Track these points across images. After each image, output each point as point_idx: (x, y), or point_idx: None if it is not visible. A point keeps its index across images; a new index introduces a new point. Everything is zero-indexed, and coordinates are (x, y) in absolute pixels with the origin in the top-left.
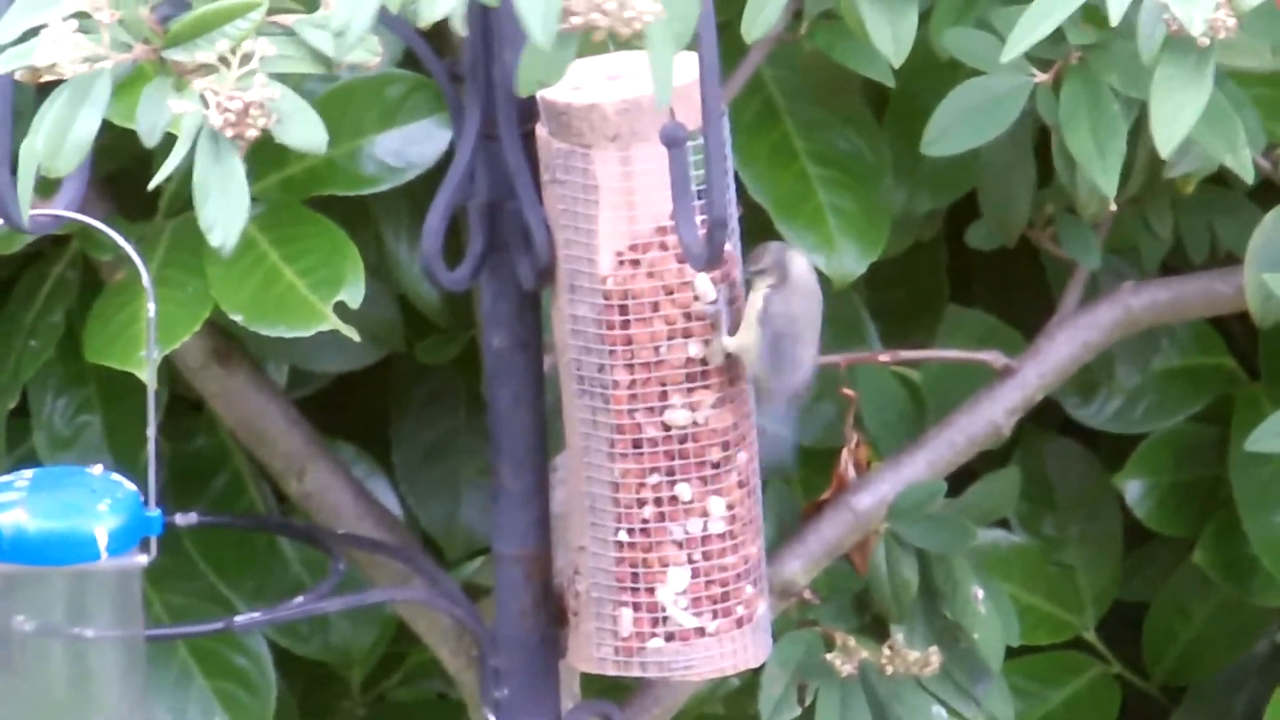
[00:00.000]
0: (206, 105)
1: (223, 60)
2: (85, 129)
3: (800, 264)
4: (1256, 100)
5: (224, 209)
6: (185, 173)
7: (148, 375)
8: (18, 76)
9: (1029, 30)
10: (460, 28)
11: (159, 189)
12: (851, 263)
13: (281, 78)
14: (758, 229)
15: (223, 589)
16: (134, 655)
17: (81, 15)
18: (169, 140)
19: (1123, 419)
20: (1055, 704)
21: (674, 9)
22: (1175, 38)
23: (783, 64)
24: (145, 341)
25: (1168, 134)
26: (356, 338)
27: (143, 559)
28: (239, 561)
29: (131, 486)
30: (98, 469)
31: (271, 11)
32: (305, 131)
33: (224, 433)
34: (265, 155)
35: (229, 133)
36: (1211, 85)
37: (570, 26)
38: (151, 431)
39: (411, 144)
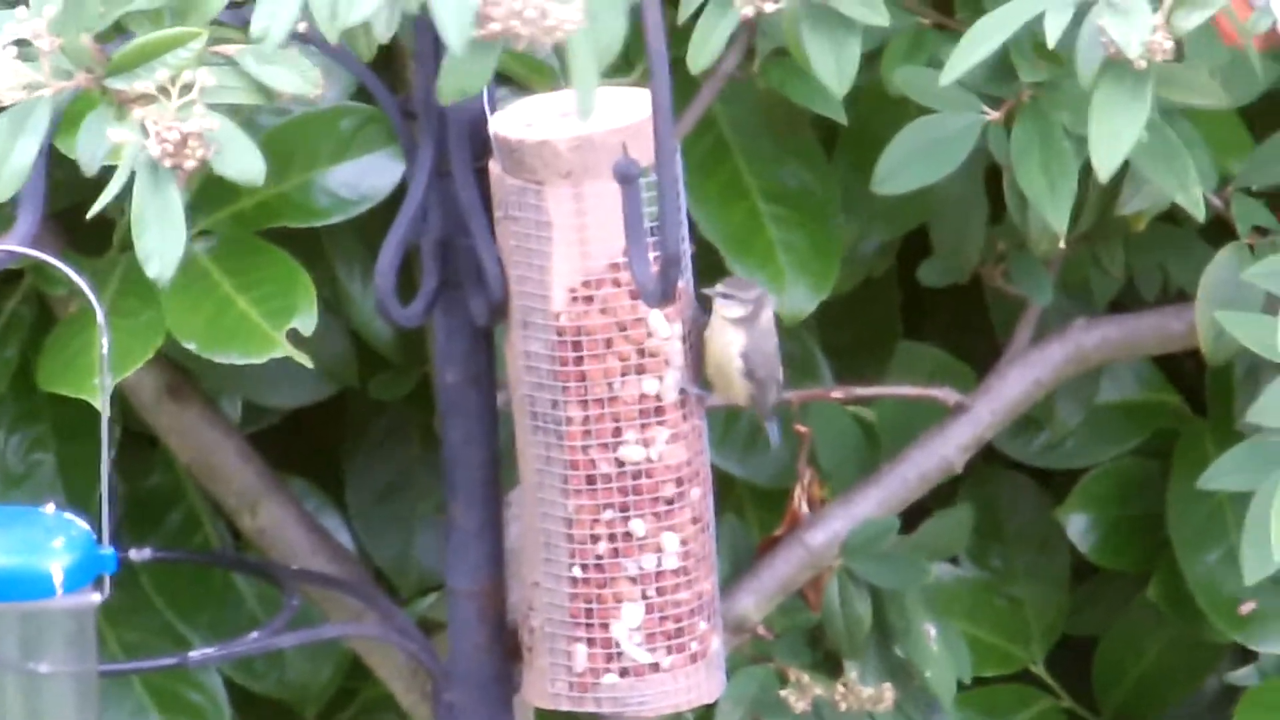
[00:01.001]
0: (146, 135)
1: (163, 90)
2: (23, 157)
3: (769, 310)
4: (1209, 136)
5: (162, 239)
6: (129, 203)
7: (102, 406)
8: None
9: (966, 55)
10: (382, 33)
11: (112, 223)
12: (802, 300)
13: (233, 111)
14: (709, 267)
15: (178, 626)
16: (87, 692)
17: (22, 43)
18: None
19: (1057, 453)
20: None
21: (599, 22)
22: (1113, 61)
23: (734, 101)
24: (99, 370)
25: (1106, 156)
26: (310, 364)
27: (96, 597)
28: (194, 598)
29: (85, 525)
30: (50, 508)
31: (214, 42)
32: (243, 163)
33: (179, 469)
34: (218, 188)
35: (167, 163)
36: (1149, 108)
37: (489, 34)
38: (105, 466)
39: (365, 177)
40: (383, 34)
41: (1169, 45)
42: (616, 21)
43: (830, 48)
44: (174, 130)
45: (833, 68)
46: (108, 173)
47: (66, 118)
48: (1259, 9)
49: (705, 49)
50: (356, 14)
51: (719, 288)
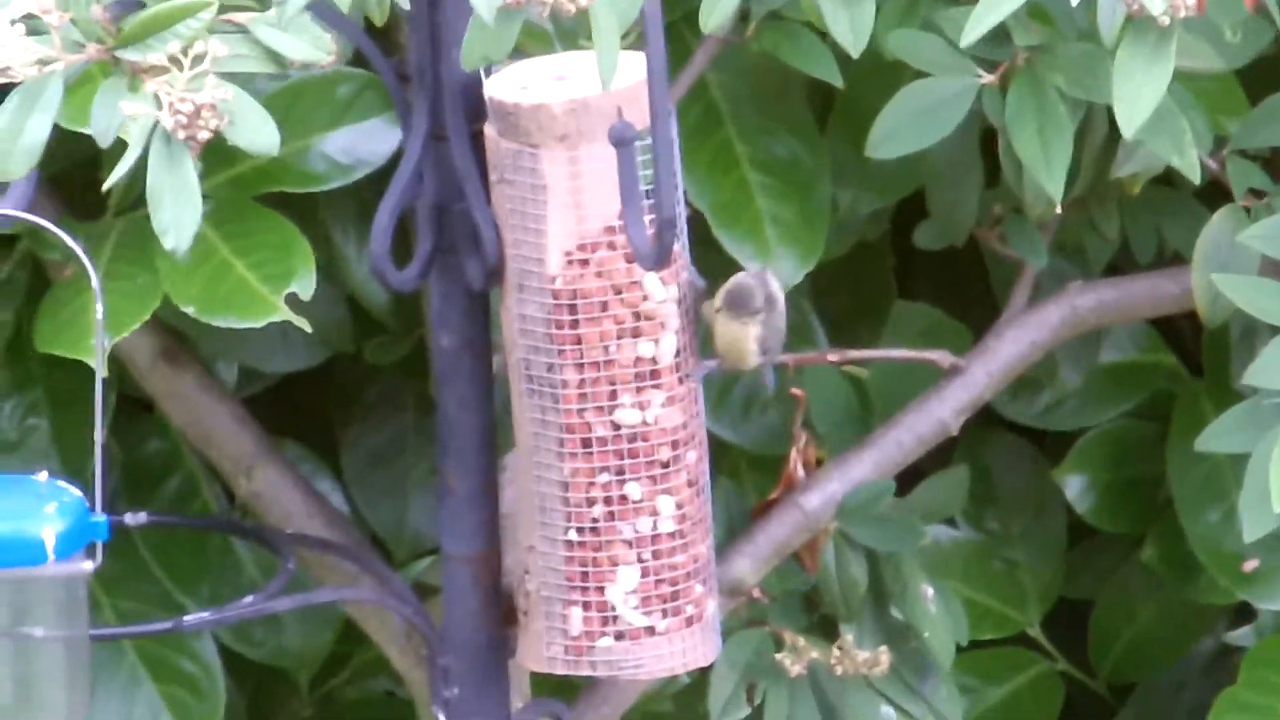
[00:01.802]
0: (159, 106)
1: (174, 61)
2: (37, 132)
3: (775, 285)
4: (1203, 94)
5: (178, 212)
6: (133, 172)
7: (97, 368)
8: None
9: (984, 16)
10: (377, 18)
11: (109, 188)
12: (789, 271)
13: (231, 76)
14: (697, 236)
15: (176, 594)
16: (79, 658)
17: (31, 17)
18: (118, 141)
19: (1054, 414)
20: (996, 700)
21: None
22: (1135, 18)
23: (727, 68)
24: (94, 332)
25: (1130, 114)
26: (308, 328)
27: (89, 564)
28: (193, 566)
29: (77, 492)
30: (43, 475)
31: (224, 10)
32: (257, 132)
33: (176, 435)
34: (215, 153)
35: (181, 134)
36: (1173, 66)
37: (514, 2)
38: (99, 435)
39: (361, 142)
40: (402, 2)
41: (1191, 1)
42: None
43: (845, 7)
44: (187, 101)
45: (848, 26)
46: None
47: (69, 86)
48: None
49: (717, 9)
50: None
51: (724, 297)
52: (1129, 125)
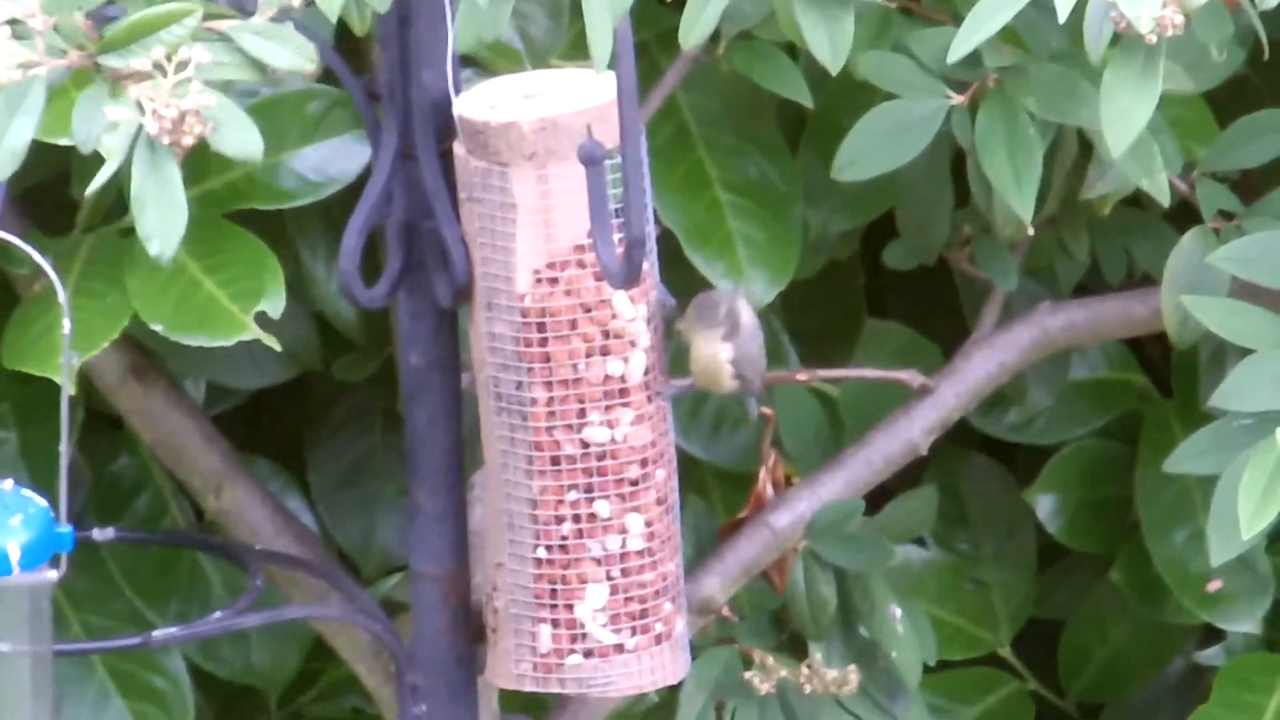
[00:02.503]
0: (143, 112)
1: (158, 67)
2: (19, 137)
3: (747, 311)
4: (1174, 121)
5: (162, 218)
6: (107, 185)
7: (63, 384)
8: None
9: (972, 32)
10: (358, 28)
11: (75, 204)
12: (760, 291)
13: (212, 84)
14: (668, 256)
15: (145, 612)
16: (43, 671)
17: (14, 22)
18: (90, 155)
19: (1026, 430)
20: None
21: None
22: (1123, 36)
23: (698, 88)
24: (62, 352)
25: (1119, 134)
26: (278, 347)
27: (53, 575)
28: (161, 584)
29: (43, 502)
30: (8, 484)
31: (206, 17)
32: (242, 139)
33: (145, 452)
34: (185, 168)
35: (165, 140)
36: (1160, 85)
37: None
38: (65, 446)
39: (332, 159)
40: (381, 6)
41: (1179, 20)
42: None
43: (824, 24)
44: (171, 108)
45: (826, 44)
46: (71, 152)
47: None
48: None
49: (697, 27)
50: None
51: (689, 315)
52: (1118, 145)
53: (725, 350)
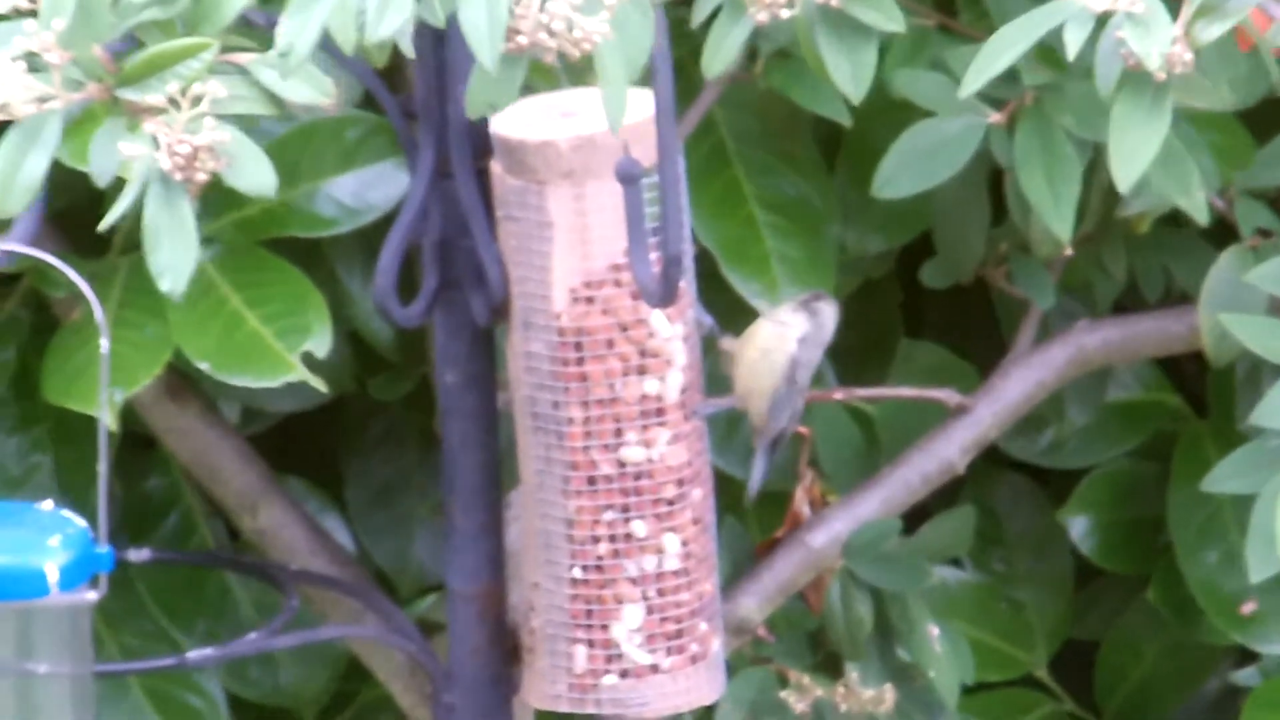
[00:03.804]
0: (157, 148)
1: (173, 102)
2: (35, 170)
3: (830, 309)
4: (1211, 146)
5: (174, 254)
6: (140, 209)
7: (100, 407)
8: None
9: (988, 64)
10: (408, 49)
11: (113, 227)
12: None
13: (237, 118)
14: (704, 273)
15: (174, 632)
16: (84, 692)
17: (32, 55)
18: (119, 179)
19: (1058, 453)
20: None
21: (626, 33)
22: (1132, 73)
23: (734, 106)
24: (101, 376)
25: (1126, 171)
26: (325, 389)
27: (92, 595)
28: (190, 605)
29: (82, 522)
30: (48, 505)
31: (225, 50)
32: (255, 175)
33: (176, 471)
34: (222, 195)
35: (179, 176)
36: (1169, 120)
37: (517, 47)
38: (103, 467)
39: (370, 186)
40: (408, 50)
41: (1189, 57)
42: (644, 31)
43: (846, 54)
44: (185, 144)
45: (849, 74)
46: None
47: (73, 124)
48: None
49: (719, 54)
50: (385, 29)
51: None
52: (1125, 180)
53: (793, 335)
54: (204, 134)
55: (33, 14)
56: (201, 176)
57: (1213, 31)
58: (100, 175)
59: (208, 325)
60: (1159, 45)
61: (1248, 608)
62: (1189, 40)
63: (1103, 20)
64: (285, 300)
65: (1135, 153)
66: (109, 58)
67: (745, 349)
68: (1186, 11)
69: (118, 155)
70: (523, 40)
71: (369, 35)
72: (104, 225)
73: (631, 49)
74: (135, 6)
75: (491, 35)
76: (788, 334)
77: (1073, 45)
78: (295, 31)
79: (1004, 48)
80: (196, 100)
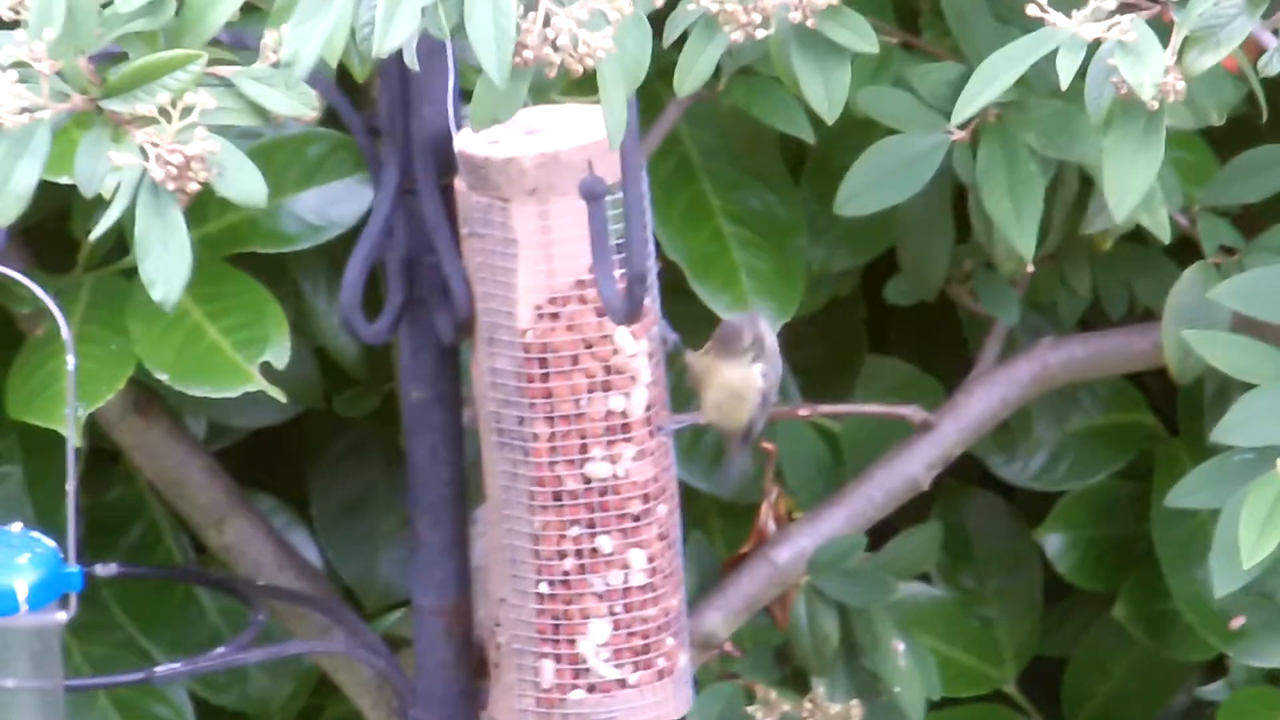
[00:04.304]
0: (146, 157)
1: (162, 112)
2: (25, 179)
3: (770, 334)
4: (1175, 164)
5: (166, 263)
6: (111, 225)
7: (67, 424)
8: None
9: (977, 94)
10: (412, 61)
11: (76, 241)
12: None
13: (213, 129)
14: (674, 286)
15: (141, 641)
16: (54, 708)
17: (20, 65)
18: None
19: (1046, 477)
20: None
21: (626, 48)
22: (1125, 101)
23: (700, 122)
24: (67, 399)
25: (1121, 199)
26: (283, 399)
27: (62, 615)
28: (157, 613)
29: (51, 543)
30: (17, 526)
31: (210, 63)
32: (246, 185)
33: (141, 483)
34: (185, 213)
35: (170, 186)
36: (1163, 149)
37: (523, 62)
38: (71, 487)
39: (332, 202)
40: (412, 62)
41: (1181, 86)
42: (643, 46)
43: (820, 73)
44: (176, 153)
45: (823, 93)
46: (71, 190)
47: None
48: (1271, 50)
49: (692, 73)
50: (392, 42)
51: (714, 340)
52: (1120, 209)
53: (757, 374)
54: (195, 143)
55: (18, 24)
56: (194, 186)
57: (1205, 61)
58: (86, 185)
59: (168, 338)
60: (1152, 75)
61: (1236, 623)
62: (1181, 69)
63: (1093, 48)
64: (245, 312)
65: (1130, 182)
66: (93, 70)
67: (710, 391)
68: (1176, 39)
69: (105, 165)
70: (528, 55)
71: (375, 49)
72: (91, 237)
73: (631, 64)
74: (122, 17)
75: (500, 49)
76: (752, 384)
77: (1065, 74)
78: (300, 41)
79: (994, 75)
80: (186, 111)
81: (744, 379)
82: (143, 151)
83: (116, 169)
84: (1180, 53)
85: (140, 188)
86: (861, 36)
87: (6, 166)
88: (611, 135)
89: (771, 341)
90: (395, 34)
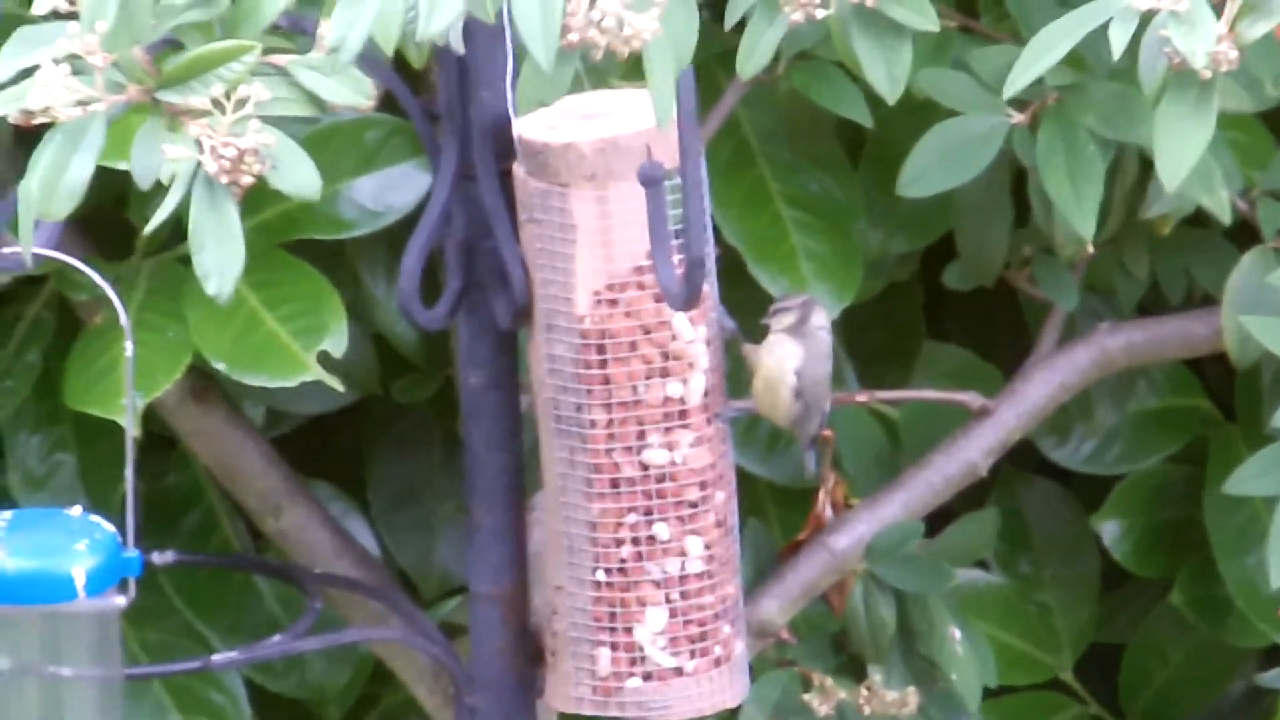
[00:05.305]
0: (201, 150)
1: (217, 104)
2: (80, 172)
3: (820, 316)
4: (1233, 146)
5: (220, 256)
6: (171, 211)
7: (126, 408)
8: (11, 119)
9: (1030, 64)
10: (457, 44)
11: (133, 227)
12: (825, 306)
13: (268, 119)
14: (732, 271)
15: (198, 626)
16: (111, 695)
17: (74, 57)
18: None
19: (1099, 460)
20: None
21: (673, 31)
22: (1177, 71)
23: (758, 106)
24: (125, 387)
25: (1172, 170)
26: (341, 388)
27: (121, 600)
28: (214, 599)
29: (110, 528)
30: (76, 510)
31: (265, 52)
32: (300, 177)
33: (197, 470)
34: (241, 201)
35: (224, 179)
36: (1215, 119)
37: (568, 44)
38: (129, 472)
39: (390, 188)
40: (457, 46)
41: (1234, 55)
42: (689, 29)
43: (881, 53)
44: (230, 147)
45: (884, 73)
46: (127, 176)
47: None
48: None
49: (754, 55)
50: (436, 25)
51: (767, 315)
52: (1171, 180)
53: (793, 356)
54: (249, 136)
55: (72, 16)
56: (247, 179)
57: (1258, 29)
58: (142, 177)
59: (226, 326)
60: (1204, 44)
61: None
62: (1234, 37)
63: (1146, 19)
64: (302, 300)
65: (1181, 152)
66: (149, 61)
67: (755, 376)
68: (1230, 9)
69: (160, 158)
70: (574, 37)
71: (420, 32)
72: (148, 230)
73: (679, 46)
74: (176, 8)
75: (546, 31)
76: (785, 366)
77: (1118, 44)
78: (346, 26)
79: (1046, 47)
80: (241, 103)
81: (778, 368)
82: (198, 144)
83: (172, 161)
84: (1233, 22)
85: (195, 181)
86: (922, 15)
87: (61, 160)
88: (659, 117)
89: (819, 323)
90: (439, 17)
